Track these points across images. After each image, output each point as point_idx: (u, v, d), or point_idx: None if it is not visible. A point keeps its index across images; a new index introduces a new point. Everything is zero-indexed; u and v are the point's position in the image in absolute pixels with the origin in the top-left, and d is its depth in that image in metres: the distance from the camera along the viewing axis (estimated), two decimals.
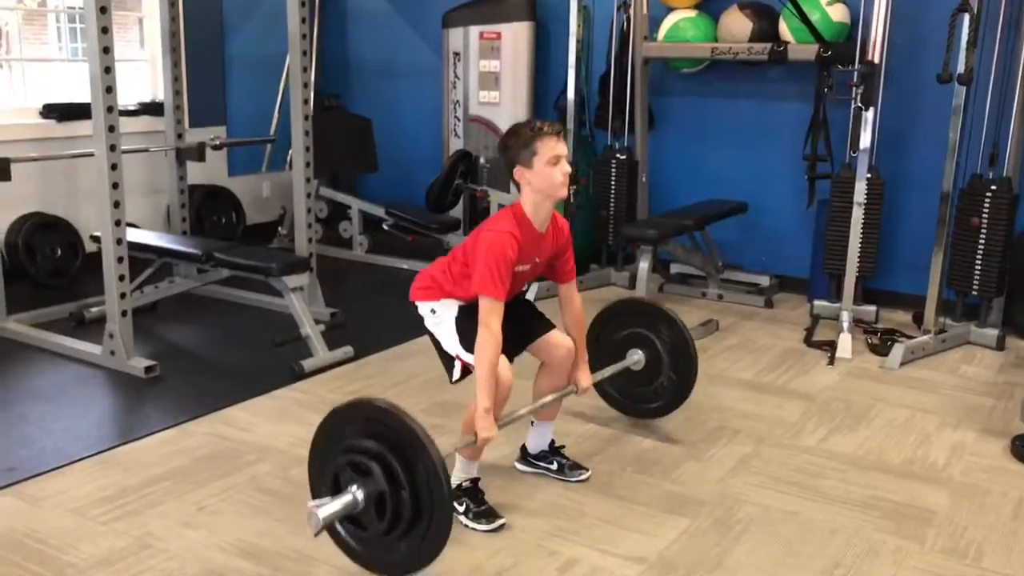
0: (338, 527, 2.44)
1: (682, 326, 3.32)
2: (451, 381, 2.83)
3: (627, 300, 3.69)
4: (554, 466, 3.08)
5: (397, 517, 2.31)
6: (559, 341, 2.93)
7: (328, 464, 2.42)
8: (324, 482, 2.43)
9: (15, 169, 4.32)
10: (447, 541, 2.30)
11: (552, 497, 2.94)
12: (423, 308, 2.84)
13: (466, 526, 2.74)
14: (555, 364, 2.95)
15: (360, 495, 2.32)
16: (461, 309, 2.78)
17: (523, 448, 3.13)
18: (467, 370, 2.77)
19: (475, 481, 2.83)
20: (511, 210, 2.73)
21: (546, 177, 2.66)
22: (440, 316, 2.81)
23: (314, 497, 2.43)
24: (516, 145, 2.69)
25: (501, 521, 2.75)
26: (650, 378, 3.39)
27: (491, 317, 2.62)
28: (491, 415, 2.60)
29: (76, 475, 3.02)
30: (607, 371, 3.28)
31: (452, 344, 2.78)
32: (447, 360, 2.83)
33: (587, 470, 3.08)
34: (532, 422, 3.10)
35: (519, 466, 3.13)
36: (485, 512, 2.76)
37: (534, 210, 2.72)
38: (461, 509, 2.76)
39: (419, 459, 2.26)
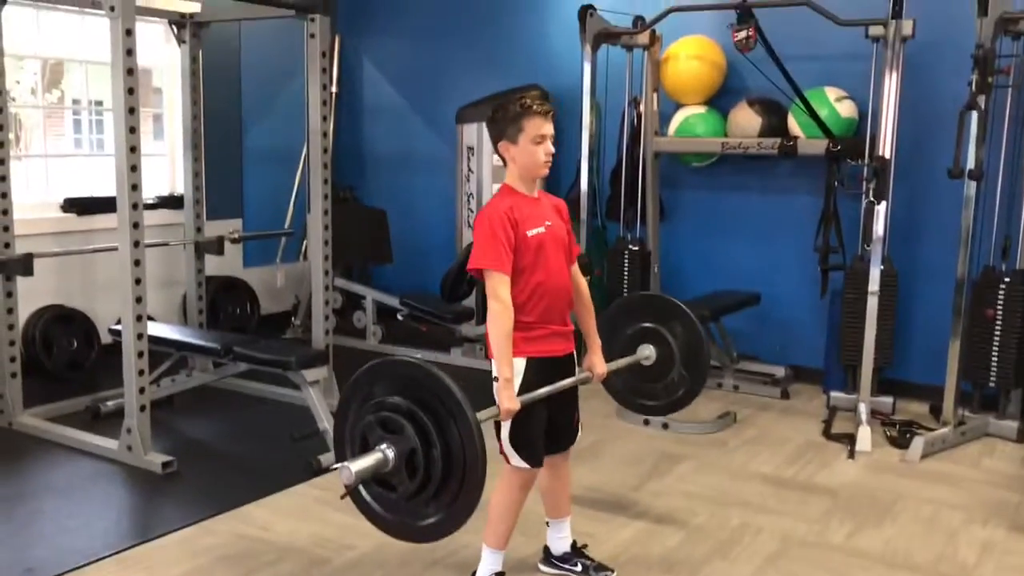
0: (364, 492, 2.42)
1: (696, 323, 3.28)
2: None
3: (641, 295, 3.66)
4: (579, 568, 3.03)
5: (428, 477, 2.30)
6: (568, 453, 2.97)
7: (356, 424, 2.42)
8: (352, 443, 2.43)
9: (35, 262, 4.37)
10: (477, 505, 2.30)
11: None
12: (493, 368, 2.69)
13: None
14: (558, 465, 2.96)
15: (391, 453, 2.32)
16: (524, 384, 2.67)
17: (546, 549, 3.09)
18: (504, 456, 2.74)
19: (500, 575, 2.78)
20: (500, 189, 2.76)
21: (530, 155, 2.67)
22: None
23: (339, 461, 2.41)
24: (503, 120, 2.68)
25: None
26: (659, 375, 3.34)
27: (498, 288, 2.60)
28: (511, 386, 2.57)
29: (95, 575, 2.99)
30: (620, 362, 3.22)
31: (503, 431, 2.72)
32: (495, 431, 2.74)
33: (612, 571, 3.03)
34: (547, 522, 3.07)
35: (543, 568, 3.08)
36: None
37: (520, 182, 2.73)
38: None
39: (452, 417, 2.26)
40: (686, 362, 3.30)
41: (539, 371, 2.70)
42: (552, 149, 2.70)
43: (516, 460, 2.72)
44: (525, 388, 2.66)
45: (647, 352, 3.31)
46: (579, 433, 2.97)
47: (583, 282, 2.97)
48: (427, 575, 3.03)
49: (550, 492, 3.02)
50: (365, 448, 2.38)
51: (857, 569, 3.14)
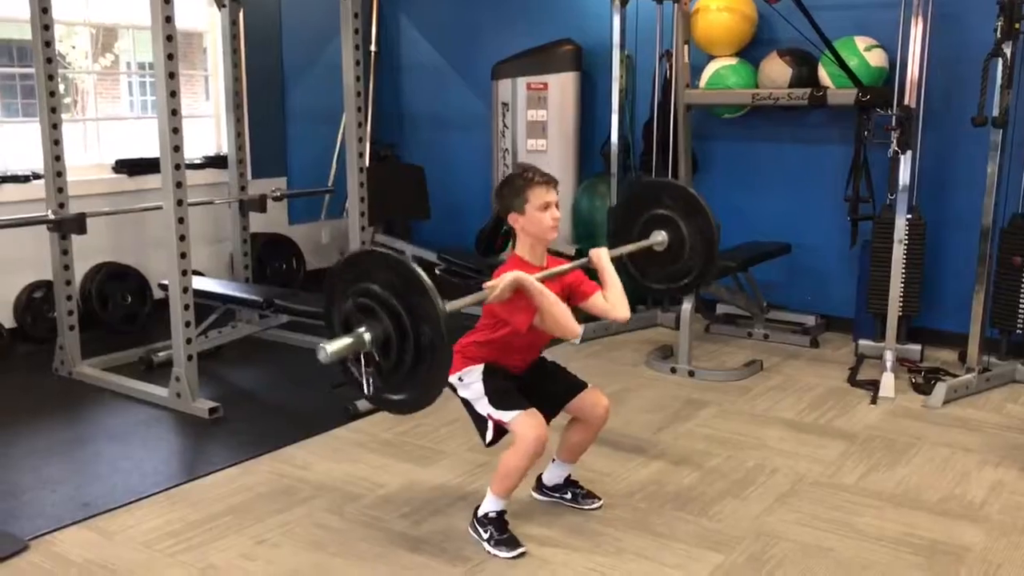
0: (350, 366, 2.65)
1: (709, 212, 3.40)
2: (485, 444, 2.98)
3: (658, 181, 3.79)
4: (568, 495, 3.24)
5: (401, 358, 2.51)
6: (596, 399, 3.10)
7: (339, 307, 2.64)
8: (337, 325, 2.66)
9: (89, 221, 4.61)
10: (445, 383, 2.58)
11: (592, 533, 3.06)
12: (452, 380, 2.93)
13: (488, 552, 2.90)
14: (591, 420, 3.11)
15: (367, 336, 2.52)
16: (486, 368, 2.93)
17: (539, 479, 3.29)
18: (500, 431, 2.93)
19: (501, 513, 2.97)
20: (510, 258, 2.95)
21: (537, 221, 2.86)
22: (467, 381, 2.95)
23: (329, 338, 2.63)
24: (510, 194, 2.89)
25: (521, 549, 2.90)
26: (670, 260, 3.47)
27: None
28: (523, 288, 2.73)
29: (145, 510, 3.23)
30: (630, 247, 3.37)
31: (482, 404, 2.92)
32: (480, 423, 2.96)
33: (599, 499, 3.24)
34: (553, 459, 3.24)
35: (535, 495, 3.29)
36: (507, 540, 2.91)
37: (530, 252, 2.93)
38: (485, 536, 2.93)
39: (422, 303, 2.45)
40: (697, 247, 3.41)
41: (500, 374, 2.94)
42: (558, 215, 2.89)
43: (510, 416, 2.87)
44: (489, 374, 2.93)
45: (659, 238, 3.43)
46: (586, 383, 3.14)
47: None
48: (451, 510, 3.21)
49: (573, 444, 3.18)
50: (348, 330, 2.58)
51: (864, 507, 3.25)
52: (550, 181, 2.88)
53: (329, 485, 3.44)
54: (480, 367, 2.94)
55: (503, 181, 2.97)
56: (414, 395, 2.60)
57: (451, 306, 2.52)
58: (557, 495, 3.25)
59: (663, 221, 3.45)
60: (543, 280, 2.81)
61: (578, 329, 2.88)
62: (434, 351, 2.46)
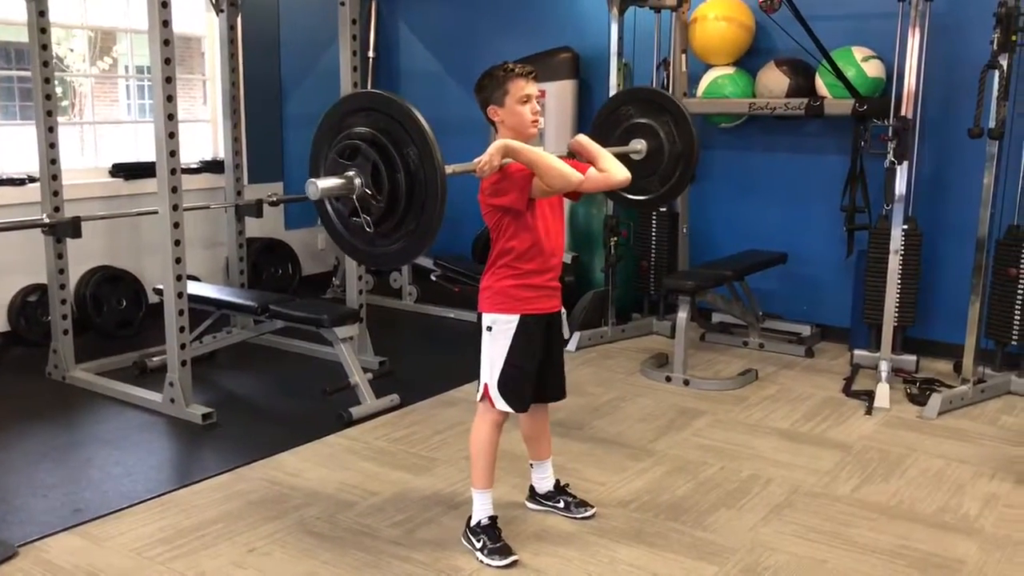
0: (337, 222, 2.62)
1: (693, 126, 3.35)
2: (477, 399, 3.00)
3: (645, 89, 3.73)
4: (561, 504, 3.23)
5: (393, 198, 2.49)
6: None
7: (330, 151, 2.60)
8: (326, 168, 2.63)
9: (85, 225, 4.60)
10: (437, 232, 2.51)
11: (585, 543, 3.05)
12: (485, 320, 2.90)
13: (481, 562, 2.89)
14: (538, 413, 3.13)
15: (357, 180, 2.51)
16: (517, 332, 2.86)
17: (531, 488, 3.29)
18: (488, 399, 2.93)
19: (493, 519, 2.97)
20: None
21: (516, 115, 2.80)
22: (493, 338, 2.89)
23: None
24: (490, 86, 2.83)
25: (514, 558, 2.88)
26: (648, 171, 3.41)
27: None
28: (513, 152, 2.68)
29: (137, 517, 3.21)
30: (609, 151, 3.26)
31: (488, 372, 2.91)
32: (482, 376, 2.95)
33: (592, 507, 3.23)
34: (531, 464, 3.25)
35: (529, 504, 3.28)
36: (500, 549, 2.89)
37: None
38: (478, 545, 2.92)
39: (414, 141, 2.42)
40: (676, 163, 3.37)
41: (532, 327, 2.89)
42: (538, 108, 2.84)
43: (501, 404, 2.91)
44: (518, 344, 2.86)
45: (639, 146, 3.38)
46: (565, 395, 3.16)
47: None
48: (444, 519, 3.20)
49: (532, 438, 3.21)
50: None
51: (859, 519, 3.24)
52: (531, 73, 2.82)
53: (322, 493, 3.42)
54: (513, 322, 2.86)
55: (483, 74, 2.86)
56: (408, 243, 2.57)
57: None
58: (550, 503, 3.25)
59: (641, 129, 3.37)
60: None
61: (580, 175, 2.81)
62: (424, 170, 2.43)
